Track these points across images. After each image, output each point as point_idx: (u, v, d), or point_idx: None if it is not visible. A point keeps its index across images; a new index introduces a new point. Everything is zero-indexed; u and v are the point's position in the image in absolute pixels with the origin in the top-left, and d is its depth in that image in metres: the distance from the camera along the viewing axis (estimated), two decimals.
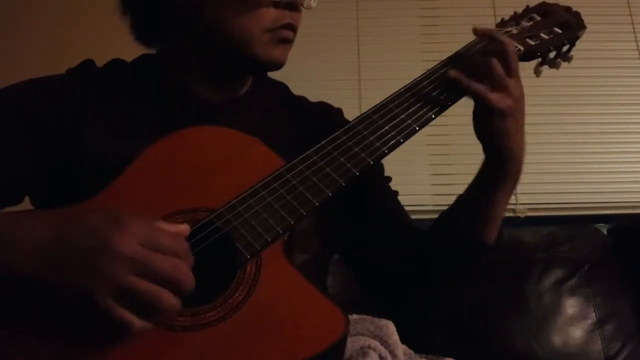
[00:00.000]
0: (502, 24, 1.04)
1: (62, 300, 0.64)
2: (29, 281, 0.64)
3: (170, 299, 0.64)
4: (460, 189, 2.26)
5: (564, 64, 1.06)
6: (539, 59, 1.04)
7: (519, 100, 0.91)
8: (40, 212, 0.70)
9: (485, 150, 0.96)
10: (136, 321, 0.63)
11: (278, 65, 0.94)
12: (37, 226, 0.67)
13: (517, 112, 0.91)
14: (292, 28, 0.92)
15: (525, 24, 1.04)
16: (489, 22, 2.29)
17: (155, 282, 0.63)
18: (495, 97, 0.88)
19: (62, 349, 0.65)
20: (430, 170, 2.22)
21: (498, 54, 0.89)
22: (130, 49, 1.01)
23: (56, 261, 0.64)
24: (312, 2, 0.92)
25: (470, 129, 2.45)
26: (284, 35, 0.91)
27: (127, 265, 0.62)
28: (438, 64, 0.94)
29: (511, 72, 0.88)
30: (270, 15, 0.89)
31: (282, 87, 1.10)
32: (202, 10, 0.91)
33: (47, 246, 0.64)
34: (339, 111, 1.10)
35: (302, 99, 1.10)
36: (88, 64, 0.98)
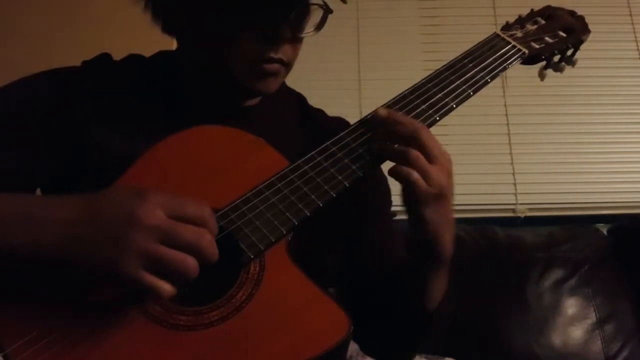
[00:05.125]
0: (507, 27, 1.04)
1: (91, 274, 0.65)
2: (57, 258, 0.65)
3: (196, 265, 0.65)
4: (460, 189, 2.27)
5: (567, 67, 1.06)
6: (543, 63, 1.04)
7: (443, 187, 0.78)
8: (64, 195, 0.71)
9: (410, 232, 0.85)
10: (166, 286, 0.65)
11: (262, 95, 0.92)
12: (63, 206, 0.68)
13: (441, 199, 0.79)
14: (277, 61, 0.86)
15: (530, 27, 1.04)
16: (489, 23, 2.32)
17: (180, 250, 0.65)
18: (421, 183, 0.77)
19: (76, 338, 0.66)
20: None
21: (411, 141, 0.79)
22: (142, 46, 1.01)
23: (82, 237, 0.65)
24: (311, 30, 0.89)
25: (470, 129, 2.46)
26: (267, 70, 0.86)
27: (152, 234, 0.64)
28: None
29: (432, 158, 0.78)
30: (250, 49, 0.84)
31: (299, 99, 1.07)
32: (190, 34, 0.91)
33: (72, 223, 0.66)
34: None
35: (319, 113, 1.07)
36: (104, 57, 0.97)
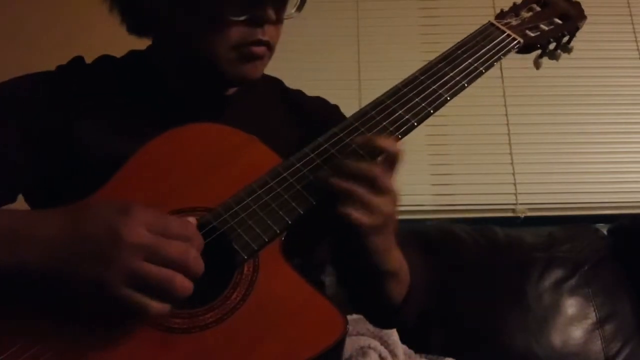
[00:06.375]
0: (501, 15, 1.03)
1: (77, 293, 0.65)
2: (43, 277, 0.65)
3: (182, 282, 0.65)
4: (460, 189, 2.27)
5: (564, 57, 1.05)
6: (539, 51, 1.03)
7: (388, 216, 0.80)
8: (46, 210, 0.71)
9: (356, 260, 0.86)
10: (153, 304, 0.64)
11: (248, 81, 0.92)
12: (46, 222, 0.68)
13: (385, 227, 0.81)
14: (264, 43, 0.88)
15: (525, 14, 1.02)
16: None
17: (166, 267, 0.65)
18: (359, 215, 0.77)
19: (69, 345, 0.66)
20: (430, 170, 2.22)
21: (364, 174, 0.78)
22: (121, 44, 1.01)
23: (68, 255, 0.65)
24: (293, 11, 0.90)
25: (471, 129, 2.47)
26: (253, 52, 0.87)
27: (137, 252, 0.64)
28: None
29: (382, 192, 0.78)
30: (237, 32, 0.85)
31: (277, 83, 1.09)
32: (173, 25, 0.90)
33: (57, 241, 0.66)
34: (336, 107, 1.09)
35: (298, 94, 1.08)
36: (78, 60, 0.98)
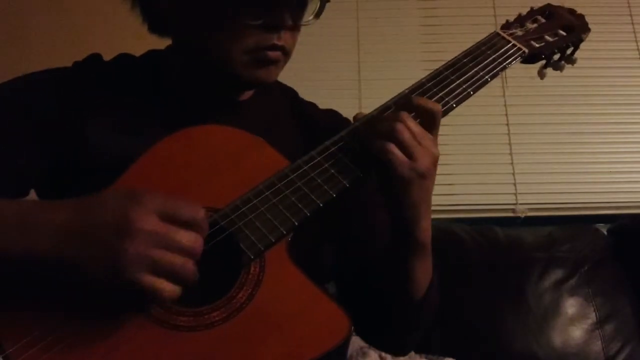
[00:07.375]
0: (507, 25, 1.04)
1: (89, 280, 0.65)
2: (54, 264, 0.65)
3: (194, 269, 0.66)
4: (460, 189, 2.27)
5: (567, 66, 1.06)
6: (543, 61, 1.04)
7: (427, 168, 0.81)
8: (57, 200, 0.71)
9: (391, 217, 0.88)
10: (167, 286, 0.65)
11: (261, 84, 0.92)
12: (58, 211, 0.68)
13: (423, 180, 0.82)
14: (280, 48, 0.87)
15: (530, 25, 1.04)
16: (489, 23, 2.31)
17: (176, 254, 0.65)
18: (403, 163, 0.79)
19: (79, 338, 0.66)
20: None
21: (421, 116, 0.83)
22: (138, 44, 1.01)
23: (80, 243, 0.65)
24: (310, 18, 0.90)
25: (470, 128, 2.46)
26: (268, 57, 0.87)
27: (148, 239, 0.64)
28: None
29: (418, 140, 0.81)
30: (252, 36, 0.85)
31: (290, 93, 1.08)
32: (188, 25, 0.90)
33: (69, 229, 0.66)
34: (347, 121, 1.09)
35: (311, 106, 1.08)
36: (95, 57, 0.97)
